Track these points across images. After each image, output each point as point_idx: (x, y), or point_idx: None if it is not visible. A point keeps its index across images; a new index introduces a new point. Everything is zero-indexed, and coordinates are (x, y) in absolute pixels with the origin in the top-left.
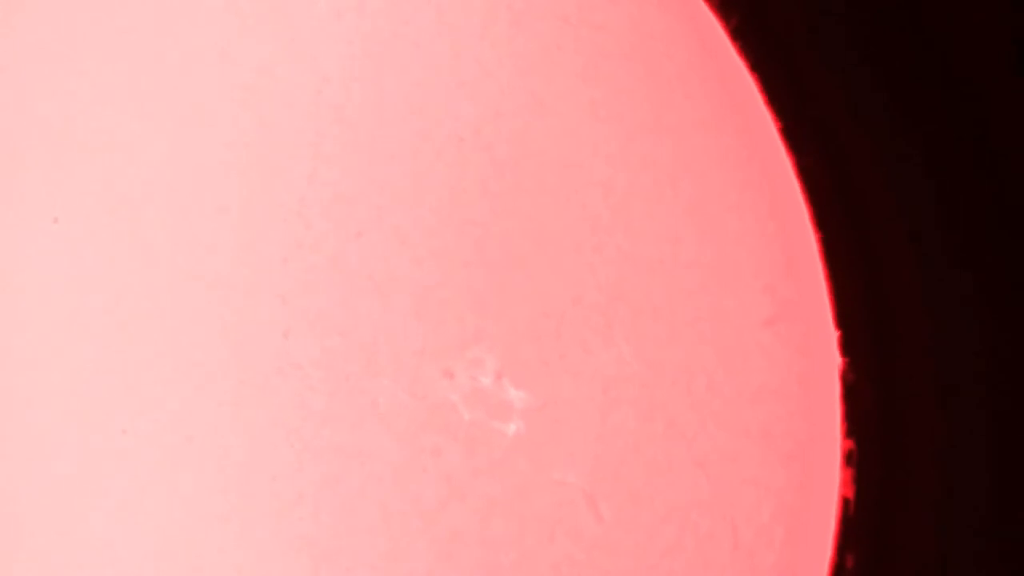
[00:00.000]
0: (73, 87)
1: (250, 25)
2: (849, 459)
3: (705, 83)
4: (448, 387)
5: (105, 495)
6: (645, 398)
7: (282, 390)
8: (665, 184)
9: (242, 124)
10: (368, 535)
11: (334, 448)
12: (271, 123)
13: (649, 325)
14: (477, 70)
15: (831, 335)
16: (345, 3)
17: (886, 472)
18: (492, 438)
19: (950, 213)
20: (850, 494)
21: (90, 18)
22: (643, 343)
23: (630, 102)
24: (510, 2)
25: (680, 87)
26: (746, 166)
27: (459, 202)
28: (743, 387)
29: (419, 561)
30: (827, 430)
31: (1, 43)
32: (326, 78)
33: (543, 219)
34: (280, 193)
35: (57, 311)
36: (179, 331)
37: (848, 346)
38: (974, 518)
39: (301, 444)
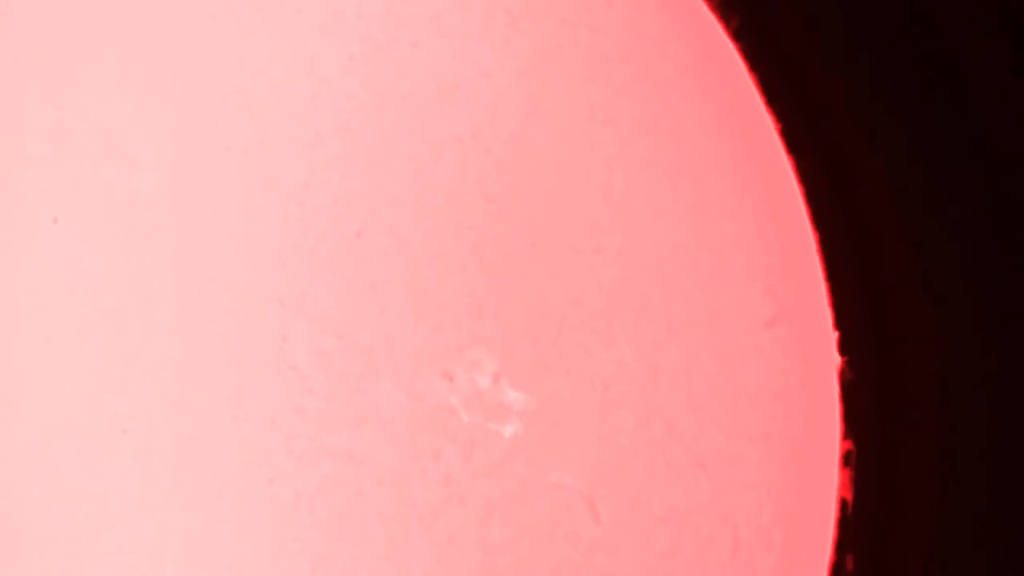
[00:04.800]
0: (73, 88)
1: (248, 27)
2: (847, 460)
3: (704, 84)
4: (447, 389)
5: (105, 495)
6: (644, 400)
7: (281, 392)
8: (664, 186)
9: (240, 126)
10: (366, 537)
11: (332, 450)
12: (269, 125)
13: (648, 327)
14: (475, 72)
15: (830, 337)
16: (343, 5)
17: (885, 473)
18: (491, 440)
19: (948, 215)
20: (848, 495)
21: (89, 20)
22: (642, 344)
23: (629, 103)
24: (508, 4)
25: (679, 88)
26: (745, 167)
27: (458, 204)
28: (742, 389)
29: (417, 563)
30: (827, 431)
31: (1, 44)
32: (324, 79)
33: (542, 221)
34: (278, 195)
35: (57, 311)
36: (178, 333)
37: (847, 347)
38: (973, 518)
39: (299, 446)
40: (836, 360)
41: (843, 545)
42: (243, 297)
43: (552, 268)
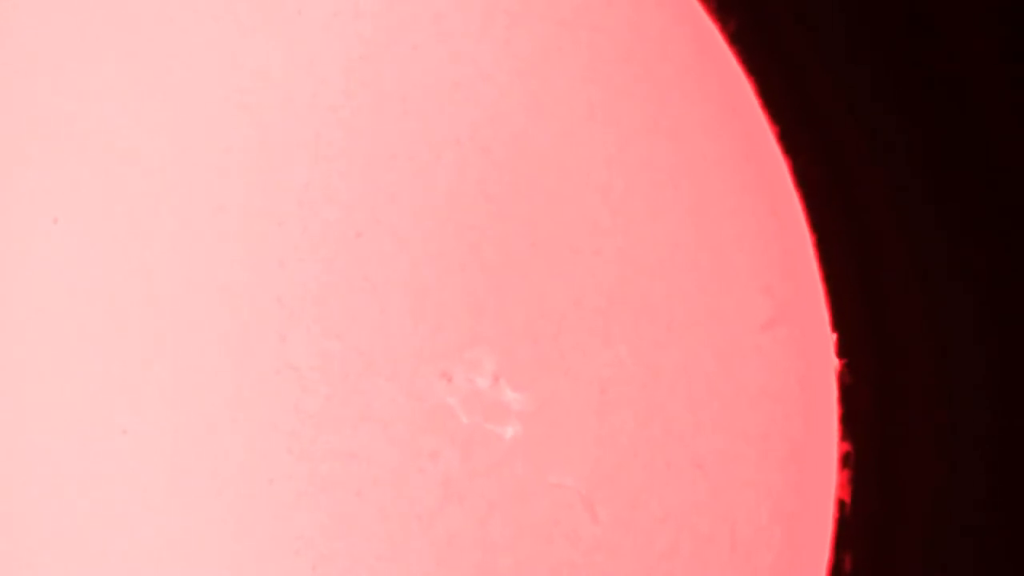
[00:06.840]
0: (73, 89)
1: (248, 27)
2: (846, 461)
3: (703, 86)
4: (446, 389)
5: (105, 495)
6: (643, 400)
7: (280, 392)
8: (664, 186)
9: (240, 126)
10: (366, 537)
11: (332, 450)
12: (269, 126)
13: (648, 327)
14: (475, 72)
15: (828, 338)
16: (343, 5)
17: (883, 473)
18: (490, 441)
19: (947, 216)
20: (846, 496)
21: (90, 21)
22: (642, 345)
23: (628, 104)
24: (508, 5)
25: (678, 89)
26: (744, 169)
27: (457, 204)
28: (741, 389)
29: (417, 563)
30: (826, 432)
31: (1, 44)
32: (323, 80)
33: (541, 221)
34: (278, 195)
35: (57, 311)
36: (178, 333)
37: (845, 348)
38: (971, 518)
39: (299, 446)
40: (834, 361)
41: (842, 545)
42: (243, 297)
43: (552, 268)
